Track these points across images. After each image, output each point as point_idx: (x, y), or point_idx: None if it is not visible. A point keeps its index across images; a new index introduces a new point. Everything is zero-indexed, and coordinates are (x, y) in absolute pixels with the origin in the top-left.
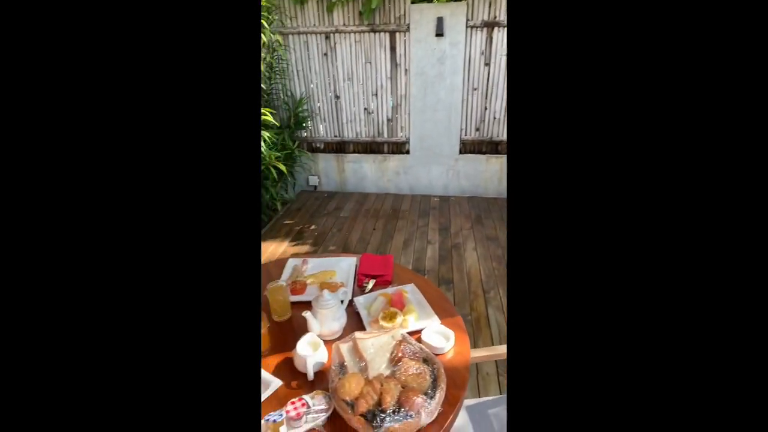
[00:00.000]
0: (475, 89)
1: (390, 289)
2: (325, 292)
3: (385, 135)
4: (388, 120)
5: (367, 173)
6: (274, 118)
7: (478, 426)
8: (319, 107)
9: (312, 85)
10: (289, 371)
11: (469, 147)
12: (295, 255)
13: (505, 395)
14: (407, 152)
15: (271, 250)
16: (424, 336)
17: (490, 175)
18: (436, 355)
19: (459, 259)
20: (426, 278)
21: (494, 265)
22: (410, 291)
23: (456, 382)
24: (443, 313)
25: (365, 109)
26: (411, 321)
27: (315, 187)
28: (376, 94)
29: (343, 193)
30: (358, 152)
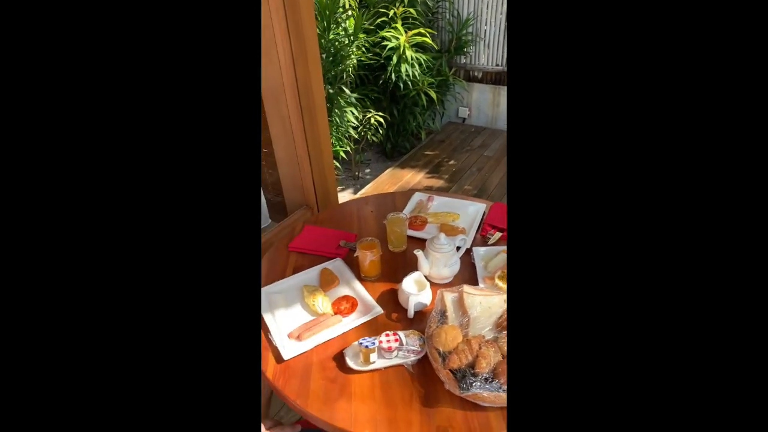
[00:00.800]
0: None
1: None
2: (442, 235)
3: None
4: None
5: None
6: (433, 41)
7: None
8: (485, 31)
9: (482, 4)
10: (392, 303)
11: None
12: (429, 188)
13: None
14: None
15: (406, 179)
16: None
17: None
18: None
19: None
20: None
21: None
22: None
23: None
24: None
25: None
26: None
27: (464, 119)
28: None
29: (493, 130)
30: None
